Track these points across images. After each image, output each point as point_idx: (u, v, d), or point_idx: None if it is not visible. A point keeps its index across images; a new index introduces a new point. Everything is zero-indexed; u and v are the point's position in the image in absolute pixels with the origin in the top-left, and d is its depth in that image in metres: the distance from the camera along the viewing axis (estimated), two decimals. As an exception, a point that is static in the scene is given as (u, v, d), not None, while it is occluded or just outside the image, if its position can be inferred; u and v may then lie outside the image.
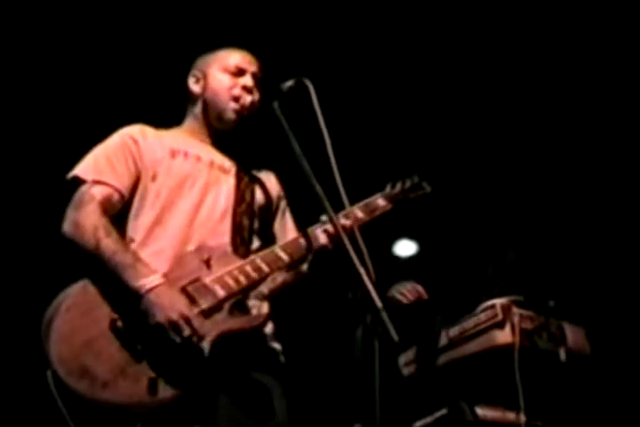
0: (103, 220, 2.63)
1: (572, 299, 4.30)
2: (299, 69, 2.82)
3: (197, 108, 2.98)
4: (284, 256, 2.71)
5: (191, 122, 3.00)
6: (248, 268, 2.65)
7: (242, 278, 2.63)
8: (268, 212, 2.97)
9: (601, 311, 4.94)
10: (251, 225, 2.86)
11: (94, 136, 2.88)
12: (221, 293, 2.59)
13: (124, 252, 2.57)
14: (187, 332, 2.44)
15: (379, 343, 2.39)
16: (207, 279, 2.61)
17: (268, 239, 2.93)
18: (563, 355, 3.70)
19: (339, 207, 2.65)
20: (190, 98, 3.01)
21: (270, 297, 2.85)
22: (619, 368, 4.80)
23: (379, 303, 2.31)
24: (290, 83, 2.73)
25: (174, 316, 2.44)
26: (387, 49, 4.96)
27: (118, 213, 2.76)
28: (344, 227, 2.60)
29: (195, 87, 2.99)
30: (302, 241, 2.75)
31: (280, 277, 2.90)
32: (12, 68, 4.78)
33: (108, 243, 2.57)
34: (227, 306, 2.58)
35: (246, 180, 2.94)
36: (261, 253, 2.72)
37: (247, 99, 2.91)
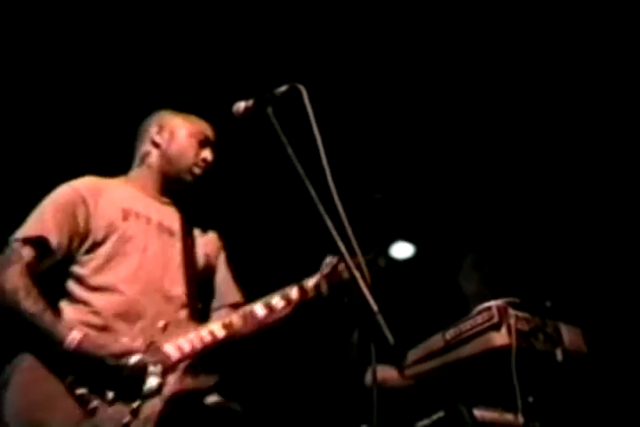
0: (24, 281, 2.68)
1: (568, 299, 4.30)
2: (291, 75, 2.84)
3: (154, 159, 3.02)
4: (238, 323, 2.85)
5: (143, 172, 3.04)
6: (204, 332, 2.79)
7: (197, 343, 2.76)
8: (209, 270, 3.08)
9: (597, 311, 4.95)
10: (197, 287, 2.95)
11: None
12: (176, 355, 2.70)
13: (42, 314, 2.63)
14: (126, 372, 2.58)
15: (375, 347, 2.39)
16: (163, 343, 2.72)
17: (209, 297, 3.05)
18: (559, 355, 3.70)
19: (333, 211, 2.66)
20: (146, 143, 3.05)
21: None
22: (616, 368, 4.80)
23: (374, 307, 2.32)
24: (283, 88, 2.74)
25: (110, 362, 2.58)
26: (380, 56, 4.98)
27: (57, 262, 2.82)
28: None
29: (157, 137, 3.04)
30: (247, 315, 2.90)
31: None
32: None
33: (27, 306, 2.64)
34: (181, 367, 2.70)
35: (190, 242, 3.01)
36: (215, 323, 2.86)
37: (204, 167, 3.04)
